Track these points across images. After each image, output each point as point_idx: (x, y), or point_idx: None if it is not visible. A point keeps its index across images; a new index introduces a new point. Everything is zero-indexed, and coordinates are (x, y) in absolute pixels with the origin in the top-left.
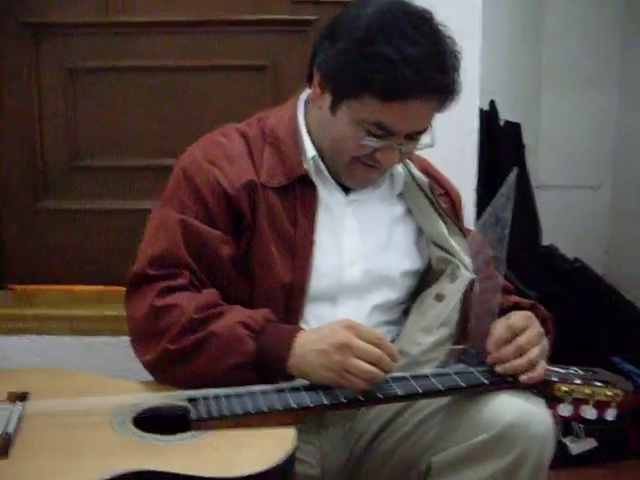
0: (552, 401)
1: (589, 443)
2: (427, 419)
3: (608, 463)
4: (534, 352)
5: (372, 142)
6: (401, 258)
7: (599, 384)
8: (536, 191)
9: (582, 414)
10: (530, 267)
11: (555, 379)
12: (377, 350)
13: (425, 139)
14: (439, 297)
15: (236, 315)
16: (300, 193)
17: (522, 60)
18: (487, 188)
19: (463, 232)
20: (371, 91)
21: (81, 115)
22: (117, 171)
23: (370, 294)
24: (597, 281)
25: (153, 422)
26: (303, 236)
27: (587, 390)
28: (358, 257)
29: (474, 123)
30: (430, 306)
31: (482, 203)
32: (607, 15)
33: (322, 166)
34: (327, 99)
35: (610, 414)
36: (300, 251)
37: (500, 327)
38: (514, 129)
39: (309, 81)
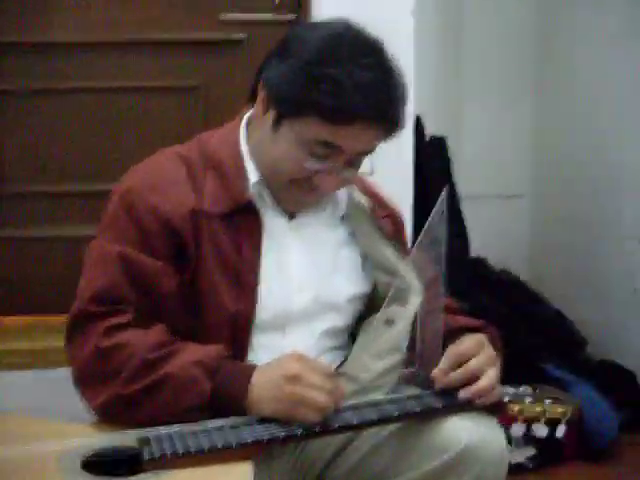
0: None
1: (528, 451)
2: (380, 445)
3: (545, 469)
4: (490, 374)
5: (313, 164)
6: (348, 283)
7: (548, 401)
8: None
9: (534, 432)
10: (460, 279)
11: (507, 399)
12: (328, 381)
13: (364, 167)
14: (389, 322)
15: (190, 354)
16: (244, 220)
17: (443, 74)
18: (418, 205)
19: (409, 254)
20: (317, 112)
21: (4, 139)
22: (45, 197)
23: (317, 321)
24: (525, 290)
25: (103, 465)
26: (248, 265)
27: (538, 408)
28: (305, 284)
29: (409, 142)
30: (380, 331)
31: (415, 221)
32: (523, 27)
33: (265, 192)
34: (270, 116)
35: (560, 430)
36: (245, 280)
37: (449, 354)
38: (440, 143)
39: (252, 99)
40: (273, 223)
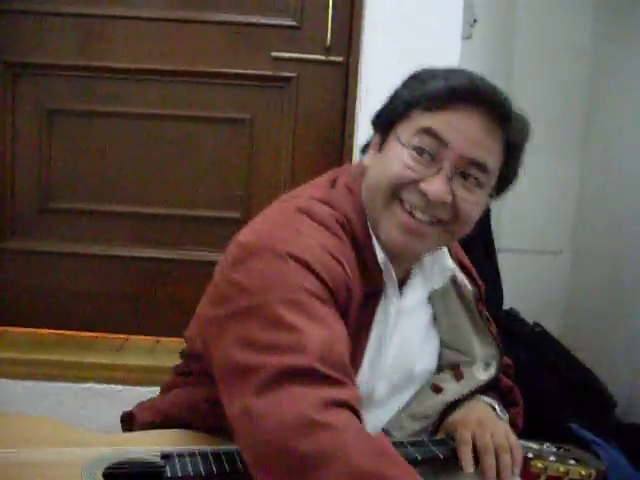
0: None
1: None
2: None
3: None
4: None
5: (418, 163)
6: (427, 366)
7: (573, 462)
8: (498, 254)
9: None
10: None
11: (530, 455)
12: None
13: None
14: (436, 388)
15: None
16: (372, 303)
17: None
18: None
19: (492, 332)
20: (419, 105)
21: (55, 157)
22: (87, 215)
23: (394, 401)
24: (556, 346)
25: (124, 477)
26: (359, 347)
27: (562, 468)
28: (388, 373)
29: None
30: (425, 395)
31: None
32: (569, 84)
33: (392, 272)
34: (376, 147)
35: None
36: (353, 361)
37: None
38: None
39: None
40: (387, 305)
